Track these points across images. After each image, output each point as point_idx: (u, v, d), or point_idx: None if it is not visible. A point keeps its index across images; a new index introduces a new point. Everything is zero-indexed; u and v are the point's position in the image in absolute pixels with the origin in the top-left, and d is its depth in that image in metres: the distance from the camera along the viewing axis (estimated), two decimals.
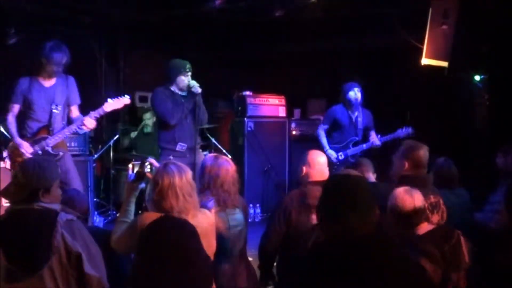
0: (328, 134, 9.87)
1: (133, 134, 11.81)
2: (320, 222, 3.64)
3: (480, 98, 10.33)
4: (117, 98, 7.90)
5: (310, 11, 9.99)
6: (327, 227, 3.54)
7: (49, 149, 7.57)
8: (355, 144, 9.75)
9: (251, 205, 10.40)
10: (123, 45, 12.92)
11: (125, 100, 7.94)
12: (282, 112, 11.75)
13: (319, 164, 5.95)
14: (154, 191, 4.49)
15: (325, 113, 10.25)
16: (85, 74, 7.71)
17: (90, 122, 7.65)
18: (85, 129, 7.80)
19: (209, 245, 4.57)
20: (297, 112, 12.59)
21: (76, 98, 7.94)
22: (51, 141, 7.60)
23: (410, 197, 4.77)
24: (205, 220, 4.66)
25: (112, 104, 7.83)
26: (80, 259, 4.23)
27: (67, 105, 7.84)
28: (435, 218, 5.14)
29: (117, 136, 11.20)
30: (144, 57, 12.90)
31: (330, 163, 7.62)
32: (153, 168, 5.01)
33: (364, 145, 9.73)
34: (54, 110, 7.66)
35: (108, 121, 12.25)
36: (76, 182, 7.68)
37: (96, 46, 12.24)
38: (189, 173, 4.61)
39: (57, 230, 4.18)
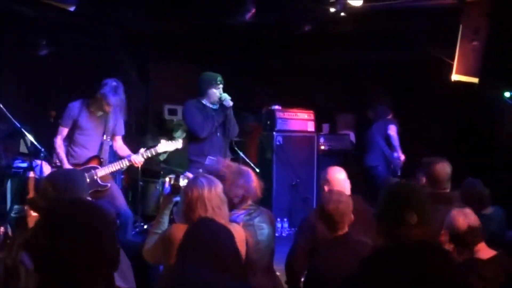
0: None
1: (163, 157, 11.80)
2: (380, 229, 3.64)
3: (509, 115, 10.27)
4: (171, 141, 8.03)
5: (340, 24, 9.98)
6: (388, 233, 3.55)
7: (98, 180, 7.65)
8: None
9: (278, 219, 10.38)
10: (153, 58, 12.98)
11: (178, 144, 8.11)
12: (310, 126, 11.73)
13: (339, 181, 5.96)
14: (184, 202, 4.52)
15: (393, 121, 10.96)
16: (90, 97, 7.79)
17: (138, 160, 7.78)
18: (134, 165, 7.98)
19: None
20: (325, 127, 12.57)
21: (121, 129, 8.11)
22: (101, 172, 7.68)
23: (463, 216, 4.71)
24: (234, 235, 4.66)
25: (165, 146, 7.98)
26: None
27: (112, 135, 7.97)
28: None
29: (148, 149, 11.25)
30: (174, 69, 12.94)
31: None
32: None
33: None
34: (104, 141, 7.81)
35: (137, 133, 12.30)
36: (123, 207, 7.79)
37: (126, 58, 12.30)
38: (219, 186, 4.63)
39: None
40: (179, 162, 11.06)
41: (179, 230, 4.33)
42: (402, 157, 10.39)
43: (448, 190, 5.75)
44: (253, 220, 5.35)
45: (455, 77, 8.53)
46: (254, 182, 5.57)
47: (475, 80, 8.52)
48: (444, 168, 5.68)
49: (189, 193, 4.52)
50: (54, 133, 7.89)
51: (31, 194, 7.65)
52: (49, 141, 8.26)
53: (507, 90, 10.25)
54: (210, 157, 7.94)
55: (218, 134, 8.06)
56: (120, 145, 8.04)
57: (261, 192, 5.61)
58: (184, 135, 11.46)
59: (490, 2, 8.44)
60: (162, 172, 11.16)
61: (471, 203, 6.28)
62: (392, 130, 10.85)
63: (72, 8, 8.18)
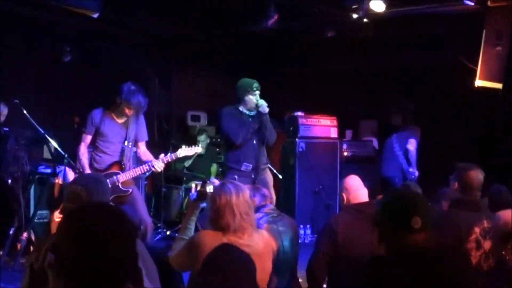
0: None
1: (187, 163, 11.80)
2: (381, 233, 3.62)
3: None
4: (191, 147, 8.06)
5: (362, 30, 9.97)
6: (390, 241, 3.53)
7: (119, 185, 7.68)
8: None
9: (301, 226, 10.35)
10: (175, 64, 13.01)
11: (198, 149, 8.18)
12: (333, 133, 11.69)
13: (355, 186, 5.96)
14: (212, 209, 4.54)
15: (415, 133, 10.89)
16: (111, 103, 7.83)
17: (159, 166, 7.80)
18: (154, 170, 7.97)
19: (264, 268, 4.56)
20: (348, 133, 12.54)
21: (144, 135, 8.12)
22: (122, 177, 7.71)
23: None
24: (261, 241, 4.65)
25: (185, 151, 8.05)
26: (140, 274, 4.25)
27: (135, 141, 8.01)
28: (488, 244, 5.06)
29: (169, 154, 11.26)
30: (196, 76, 12.97)
31: None
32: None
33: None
34: (126, 147, 7.84)
35: (160, 139, 12.34)
36: (144, 214, 7.77)
37: (148, 65, 12.35)
38: (246, 192, 4.65)
39: None
40: (201, 168, 11.10)
41: (207, 237, 4.36)
42: (417, 173, 10.31)
43: (478, 198, 5.70)
44: (276, 224, 5.36)
45: (478, 82, 8.49)
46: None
47: (499, 85, 8.47)
48: (478, 175, 5.62)
49: (217, 200, 4.55)
50: (78, 140, 7.95)
51: (60, 200, 7.69)
52: (73, 147, 8.31)
53: None
54: (246, 163, 7.96)
55: (254, 141, 8.07)
56: (143, 151, 8.08)
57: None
58: (208, 139, 11.50)
59: None
60: (185, 178, 11.20)
61: (498, 209, 6.24)
62: (412, 145, 10.71)
63: (95, 15, 8.25)
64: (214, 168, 11.69)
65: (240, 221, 4.48)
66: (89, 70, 10.91)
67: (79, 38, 10.32)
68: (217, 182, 5.34)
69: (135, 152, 8.19)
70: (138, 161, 8.29)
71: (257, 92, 8.00)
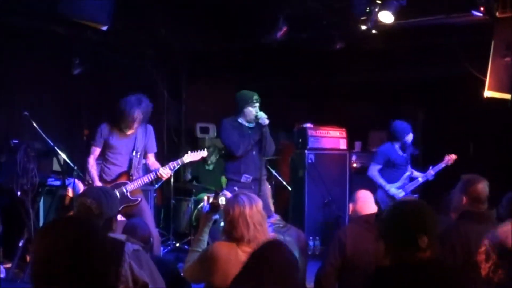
0: (382, 173, 9.93)
1: (187, 176, 11.85)
2: (387, 247, 3.61)
3: None
4: (196, 151, 8.10)
5: (371, 42, 9.98)
6: (396, 252, 3.53)
7: (128, 195, 7.77)
8: (411, 179, 9.79)
9: (310, 238, 10.35)
10: (185, 76, 13.04)
11: (203, 153, 8.21)
12: (343, 144, 11.70)
13: (363, 198, 5.96)
14: (226, 220, 4.57)
15: (376, 154, 10.20)
16: (115, 117, 7.90)
17: (166, 173, 7.85)
18: (161, 178, 8.08)
19: None
20: (357, 145, 12.52)
21: (153, 146, 8.20)
22: (130, 187, 7.82)
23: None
24: None
25: (191, 156, 8.12)
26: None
27: (145, 152, 8.09)
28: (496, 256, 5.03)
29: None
30: (206, 88, 13.00)
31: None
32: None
33: (420, 179, 9.79)
34: (134, 158, 7.92)
35: (170, 151, 12.36)
36: (151, 225, 7.76)
37: (159, 77, 12.37)
38: (259, 203, 4.68)
39: (125, 260, 4.19)
40: (211, 181, 11.11)
41: (221, 248, 4.38)
42: (392, 190, 9.97)
43: (485, 209, 5.67)
44: (283, 235, 5.37)
45: (487, 93, 8.47)
46: None
47: (508, 96, 8.45)
48: (485, 187, 5.60)
49: (230, 211, 4.59)
50: (88, 152, 8.04)
51: (71, 212, 7.74)
52: (82, 159, 8.35)
53: None
54: (246, 175, 7.98)
55: (254, 152, 8.11)
56: (152, 162, 8.15)
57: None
58: (218, 155, 11.53)
59: None
60: (194, 190, 11.20)
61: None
62: (370, 171, 10.08)
63: (105, 28, 8.27)
64: (224, 180, 11.70)
65: (254, 232, 4.52)
66: (98, 83, 10.94)
67: (89, 51, 10.35)
68: (229, 194, 5.33)
69: (145, 164, 8.23)
70: (147, 172, 8.32)
71: (257, 104, 8.04)
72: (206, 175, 11.79)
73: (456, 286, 3.42)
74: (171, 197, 11.08)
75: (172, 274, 4.98)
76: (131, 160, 7.91)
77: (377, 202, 9.99)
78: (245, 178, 8.02)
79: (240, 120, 8.12)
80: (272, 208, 7.73)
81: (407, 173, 9.87)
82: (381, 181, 9.76)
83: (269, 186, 8.70)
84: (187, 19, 10.78)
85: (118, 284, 4.15)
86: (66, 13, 8.05)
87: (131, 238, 4.69)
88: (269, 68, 12.57)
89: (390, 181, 9.80)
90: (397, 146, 9.92)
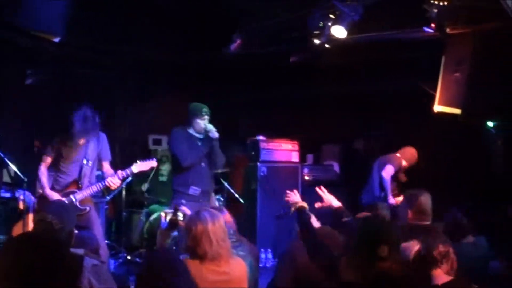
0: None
1: (144, 187, 11.82)
2: (351, 263, 3.65)
3: (494, 145, 10.33)
4: (146, 160, 8.09)
5: (325, 56, 10.05)
6: (359, 268, 3.57)
7: (77, 204, 7.76)
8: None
9: (262, 250, 10.36)
10: (139, 87, 13.00)
11: (153, 163, 8.16)
12: (295, 157, 11.74)
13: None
14: (188, 237, 4.52)
15: (395, 160, 10.56)
16: (101, 116, 7.85)
17: (114, 182, 7.83)
18: (110, 187, 8.05)
19: None
20: (310, 158, 12.59)
21: (107, 154, 8.23)
22: (79, 196, 7.81)
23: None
24: (237, 268, 4.66)
25: (140, 166, 8.09)
26: None
27: (98, 161, 8.11)
28: (445, 268, 5.09)
29: (130, 179, 11.18)
30: (159, 100, 12.95)
31: None
32: (185, 216, 5.04)
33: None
34: (85, 166, 7.92)
35: (122, 163, 12.28)
36: (99, 235, 7.73)
37: (113, 88, 12.32)
38: (221, 219, 4.66)
39: (84, 275, 4.14)
40: (165, 194, 11.06)
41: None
42: (391, 200, 10.14)
43: (429, 222, 5.74)
44: (235, 249, 5.35)
45: (437, 108, 8.58)
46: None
47: (457, 111, 8.56)
48: (427, 199, 5.69)
49: (193, 228, 4.54)
50: (39, 161, 8.01)
51: (28, 226, 7.71)
52: (33, 170, 8.26)
53: (491, 120, 10.31)
54: (194, 187, 7.96)
55: (203, 164, 8.08)
56: (107, 169, 8.15)
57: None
58: (170, 167, 11.47)
59: (472, 34, 8.51)
60: (146, 203, 11.15)
61: (455, 232, 6.27)
62: (386, 172, 10.39)
63: (57, 39, 8.23)
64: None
65: (217, 248, 4.49)
66: (52, 93, 10.85)
67: (43, 61, 10.26)
68: (187, 210, 5.31)
69: (102, 172, 8.23)
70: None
71: (206, 117, 8.04)
72: (159, 186, 11.73)
73: None
74: (122, 209, 11.01)
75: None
76: (82, 168, 7.89)
77: (363, 205, 10.22)
78: (193, 190, 7.99)
79: (190, 131, 8.10)
80: None
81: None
82: (389, 187, 9.95)
83: (216, 199, 8.70)
84: (143, 30, 10.75)
85: None
86: (19, 24, 7.99)
87: (89, 253, 4.66)
88: (224, 80, 12.58)
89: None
90: None
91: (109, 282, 4.36)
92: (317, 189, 6.09)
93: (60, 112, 10.22)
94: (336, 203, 6.03)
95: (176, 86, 12.82)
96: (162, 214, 8.88)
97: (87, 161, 7.90)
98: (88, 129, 7.80)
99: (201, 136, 8.08)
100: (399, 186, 10.54)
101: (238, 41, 9.91)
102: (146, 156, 12.50)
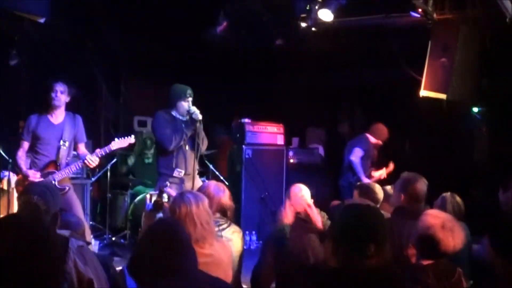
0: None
1: (130, 161, 11.83)
2: (336, 251, 3.66)
3: (478, 130, 10.38)
4: (123, 137, 8.10)
5: (312, 42, 10.04)
6: (344, 258, 3.58)
7: (56, 183, 7.69)
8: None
9: (247, 232, 10.40)
10: (124, 70, 12.96)
11: (131, 140, 8.21)
12: (280, 140, 11.75)
13: (296, 196, 6.02)
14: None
15: (361, 140, 10.69)
16: (86, 98, 7.84)
17: (93, 160, 7.85)
18: (89, 166, 8.04)
19: (226, 276, 4.55)
20: (295, 141, 12.61)
21: (82, 136, 8.18)
22: (58, 176, 7.78)
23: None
24: (222, 250, 4.65)
25: (119, 143, 8.14)
26: (92, 285, 4.18)
27: (74, 143, 8.08)
28: None
29: (114, 160, 11.16)
30: (145, 82, 12.92)
31: None
32: (170, 198, 5.01)
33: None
34: (61, 146, 7.88)
35: (107, 144, 12.25)
36: (80, 214, 7.74)
37: (97, 70, 12.27)
38: (205, 202, 4.62)
39: (69, 257, 4.11)
40: (147, 176, 11.06)
41: None
42: (365, 180, 10.18)
43: (421, 208, 5.76)
44: (221, 232, 5.36)
45: (423, 92, 8.60)
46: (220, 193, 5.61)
47: (443, 96, 8.59)
48: (423, 186, 5.68)
49: (177, 210, 4.51)
50: (17, 146, 7.97)
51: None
52: (17, 151, 8.22)
53: (476, 106, 10.36)
54: (178, 169, 7.94)
55: (187, 147, 8.03)
56: (82, 152, 8.12)
57: (228, 204, 5.63)
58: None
59: (459, 19, 8.53)
60: (130, 184, 11.14)
61: None
62: (355, 155, 10.49)
63: (42, 20, 8.17)
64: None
65: (201, 231, 4.46)
66: (36, 74, 10.78)
67: (27, 42, 10.20)
68: (172, 192, 5.28)
69: (76, 154, 8.21)
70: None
71: (190, 99, 7.97)
72: (144, 168, 11.72)
73: None
74: (107, 190, 10.99)
75: (109, 269, 4.92)
76: (59, 149, 7.86)
77: (339, 188, 10.26)
78: (177, 172, 7.95)
79: (174, 113, 8.04)
80: None
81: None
82: (360, 170, 10.06)
83: (202, 181, 8.68)
84: (128, 13, 10.70)
85: (62, 282, 4.10)
86: (5, 5, 7.94)
87: (75, 234, 4.65)
88: (208, 63, 12.55)
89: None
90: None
91: (94, 263, 4.35)
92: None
93: (43, 93, 10.21)
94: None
95: (161, 68, 12.77)
96: (147, 196, 8.89)
97: (64, 142, 7.88)
98: (60, 104, 7.88)
99: (184, 119, 8.02)
100: (373, 163, 10.64)
101: (225, 24, 9.86)
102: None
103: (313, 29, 9.17)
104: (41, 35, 10.24)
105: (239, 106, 12.80)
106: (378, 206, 6.39)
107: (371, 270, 3.48)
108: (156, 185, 8.05)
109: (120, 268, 4.76)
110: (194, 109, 7.87)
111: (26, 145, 7.87)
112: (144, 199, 10.20)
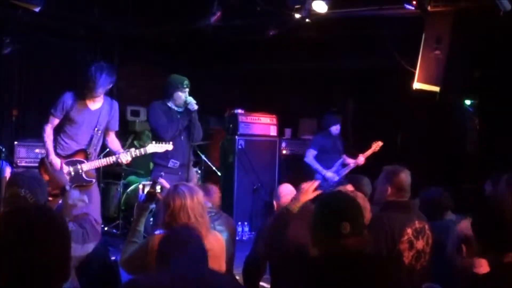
0: (317, 159, 10.27)
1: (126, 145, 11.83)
2: (315, 239, 3.67)
3: (470, 122, 10.40)
4: (161, 143, 7.72)
5: (305, 31, 10.05)
6: (322, 244, 3.59)
7: (83, 174, 7.44)
8: (344, 165, 10.01)
9: (239, 223, 10.40)
10: (117, 58, 12.92)
11: (168, 146, 7.76)
12: (273, 131, 11.76)
13: (286, 196, 6.01)
14: (166, 212, 4.46)
15: (312, 141, 10.56)
16: (78, 86, 7.67)
17: (126, 159, 7.62)
18: (120, 162, 7.75)
19: (220, 268, 4.54)
20: (288, 132, 12.61)
21: (116, 124, 7.86)
22: (86, 166, 7.46)
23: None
24: (215, 243, 4.62)
25: (155, 147, 7.70)
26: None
27: (105, 129, 7.72)
28: (420, 243, 5.15)
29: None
30: (138, 71, 12.90)
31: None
32: (164, 189, 4.98)
33: (352, 165, 10.22)
34: (94, 135, 7.53)
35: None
36: (97, 210, 7.54)
37: (90, 59, 12.23)
38: (200, 194, 4.58)
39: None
40: (141, 165, 11.04)
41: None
42: (329, 175, 10.16)
43: (407, 199, 5.77)
44: (213, 223, 5.35)
45: (416, 85, 8.62)
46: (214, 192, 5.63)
47: (436, 88, 8.61)
48: (407, 176, 5.67)
49: (171, 203, 4.45)
50: (45, 120, 7.50)
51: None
52: (10, 140, 8.17)
53: (468, 99, 10.38)
54: (173, 160, 7.94)
55: (182, 137, 8.02)
56: (112, 140, 7.85)
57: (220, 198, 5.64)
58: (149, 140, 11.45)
59: (452, 12, 8.54)
60: (123, 174, 11.11)
61: (429, 210, 6.31)
62: (306, 157, 10.40)
63: (37, 9, 8.12)
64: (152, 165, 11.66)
65: (195, 223, 4.42)
66: (29, 63, 10.76)
67: (20, 30, 10.17)
68: (165, 183, 5.24)
69: (106, 141, 7.85)
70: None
71: (187, 89, 7.94)
72: (137, 158, 11.68)
73: (380, 275, 3.49)
74: (99, 180, 10.96)
75: (103, 260, 4.93)
76: (92, 138, 7.51)
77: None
78: (173, 163, 7.94)
79: (170, 104, 8.01)
80: None
81: (340, 160, 10.17)
82: (317, 166, 10.05)
83: (196, 172, 8.68)
84: (121, 1, 10.69)
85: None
86: None
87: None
88: (202, 53, 12.54)
89: (326, 167, 10.14)
90: (328, 134, 10.23)
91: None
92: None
93: (37, 81, 10.20)
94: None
95: (154, 58, 12.76)
96: (140, 186, 8.85)
97: (98, 130, 7.54)
98: (106, 83, 7.45)
99: (180, 110, 8.02)
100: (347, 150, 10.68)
101: (219, 13, 9.84)
102: (123, 127, 12.56)
103: (307, 20, 9.16)
104: (34, 23, 10.22)
105: (232, 97, 12.79)
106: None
107: (351, 249, 3.48)
108: (151, 175, 8.04)
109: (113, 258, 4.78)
110: (190, 99, 7.86)
111: (56, 122, 7.43)
112: (136, 189, 10.21)
